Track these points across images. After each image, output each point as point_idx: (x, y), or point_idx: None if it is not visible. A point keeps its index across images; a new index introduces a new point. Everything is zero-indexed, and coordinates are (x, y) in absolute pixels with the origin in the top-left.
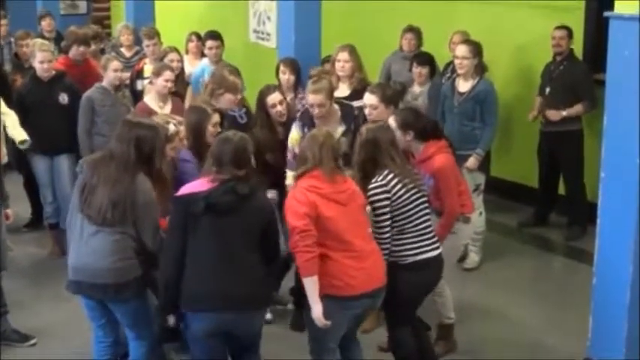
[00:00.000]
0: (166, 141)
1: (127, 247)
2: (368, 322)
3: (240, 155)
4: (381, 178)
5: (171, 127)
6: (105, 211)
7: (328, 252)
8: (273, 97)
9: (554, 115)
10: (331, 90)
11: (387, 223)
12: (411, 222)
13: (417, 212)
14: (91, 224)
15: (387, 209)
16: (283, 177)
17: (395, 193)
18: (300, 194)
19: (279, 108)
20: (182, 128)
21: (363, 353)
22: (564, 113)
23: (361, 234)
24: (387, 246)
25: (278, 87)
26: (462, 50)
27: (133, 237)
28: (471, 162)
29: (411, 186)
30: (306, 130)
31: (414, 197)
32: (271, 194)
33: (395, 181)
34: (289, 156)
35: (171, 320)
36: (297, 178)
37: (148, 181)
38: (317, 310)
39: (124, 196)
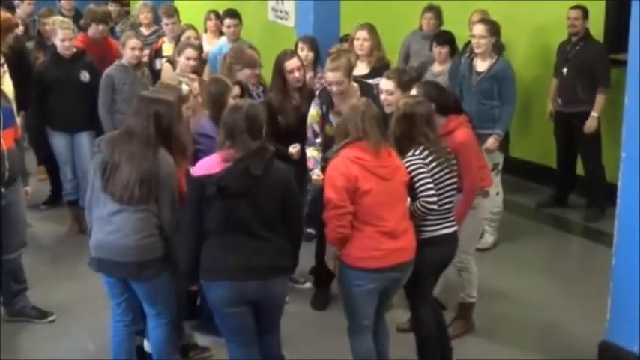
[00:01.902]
0: (181, 102)
1: (150, 224)
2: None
3: (251, 123)
4: (418, 152)
5: (184, 87)
6: (132, 188)
7: (361, 225)
8: (291, 63)
9: (591, 122)
10: (350, 68)
11: (431, 186)
12: (438, 201)
13: (444, 192)
14: (115, 202)
15: (427, 174)
16: (295, 142)
17: (431, 170)
18: (342, 165)
19: (296, 74)
20: (195, 85)
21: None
22: (595, 115)
23: (398, 211)
24: (435, 213)
25: (295, 52)
26: (479, 29)
27: (155, 214)
28: (491, 142)
29: (444, 165)
30: (324, 108)
31: (445, 177)
32: (294, 149)
33: (430, 158)
34: (308, 133)
35: (195, 287)
36: (341, 148)
37: (169, 156)
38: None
39: (149, 172)
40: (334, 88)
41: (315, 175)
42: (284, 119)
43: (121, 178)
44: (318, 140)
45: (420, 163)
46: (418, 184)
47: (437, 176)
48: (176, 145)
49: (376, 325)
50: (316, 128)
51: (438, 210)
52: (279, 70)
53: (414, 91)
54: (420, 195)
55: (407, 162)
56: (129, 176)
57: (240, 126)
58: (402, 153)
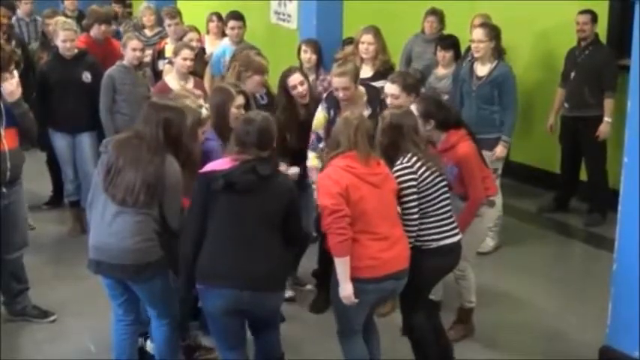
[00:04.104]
0: (199, 125)
1: (149, 228)
2: (384, 306)
3: (263, 136)
4: (406, 160)
5: (204, 112)
6: (138, 192)
7: (355, 235)
8: (294, 79)
9: (605, 128)
10: (356, 74)
11: (415, 204)
12: (433, 206)
13: (439, 196)
14: (115, 204)
15: (415, 189)
16: (302, 159)
17: (420, 175)
18: (335, 173)
19: (299, 89)
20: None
21: (382, 337)
22: (608, 120)
23: (389, 218)
24: (415, 229)
25: (299, 67)
26: (478, 34)
27: (155, 218)
28: (500, 150)
29: (434, 169)
30: (331, 112)
31: (437, 181)
32: (293, 170)
33: (419, 163)
34: (312, 137)
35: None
36: (331, 159)
37: (175, 162)
38: (347, 289)
39: (154, 177)
40: (341, 94)
41: (292, 170)
42: (290, 135)
43: (124, 182)
44: (322, 145)
45: (408, 175)
46: (403, 199)
47: (428, 180)
48: (184, 154)
49: (365, 326)
50: (321, 133)
51: (436, 214)
52: (283, 87)
53: (413, 107)
54: (403, 210)
55: (396, 173)
56: (134, 181)
57: (252, 138)
58: (391, 161)
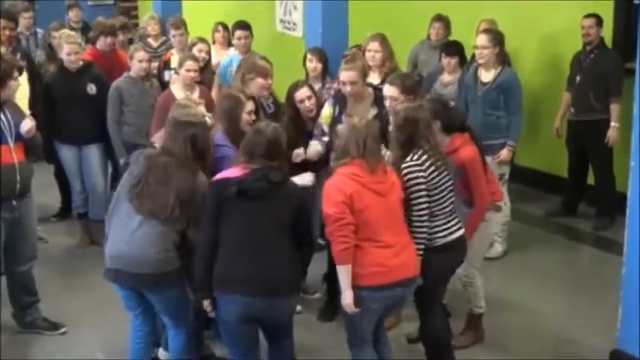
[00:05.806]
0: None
1: (169, 239)
2: (388, 320)
3: (272, 148)
4: (415, 157)
5: (208, 120)
6: (172, 207)
7: (360, 242)
8: (301, 93)
9: (613, 133)
10: (364, 69)
11: (425, 206)
12: (439, 205)
13: (445, 195)
14: (139, 215)
15: (424, 187)
16: (310, 171)
17: (429, 175)
18: (339, 182)
19: (307, 103)
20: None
21: (390, 345)
22: (616, 124)
23: (394, 226)
24: (425, 230)
25: (306, 81)
26: (481, 39)
27: (177, 230)
28: (505, 154)
29: (442, 169)
30: (336, 109)
31: (444, 180)
32: (303, 180)
33: (428, 162)
34: (315, 131)
35: (206, 304)
36: (338, 167)
37: (205, 177)
38: (348, 296)
39: (188, 193)
40: (348, 88)
41: (314, 144)
42: (298, 150)
43: (154, 196)
44: (325, 139)
45: (417, 173)
46: (414, 201)
47: (435, 180)
48: (207, 165)
49: (376, 335)
50: (325, 128)
51: (442, 213)
52: (290, 101)
53: None
54: (413, 212)
55: (405, 170)
56: (167, 196)
57: (260, 150)
58: (404, 157)
